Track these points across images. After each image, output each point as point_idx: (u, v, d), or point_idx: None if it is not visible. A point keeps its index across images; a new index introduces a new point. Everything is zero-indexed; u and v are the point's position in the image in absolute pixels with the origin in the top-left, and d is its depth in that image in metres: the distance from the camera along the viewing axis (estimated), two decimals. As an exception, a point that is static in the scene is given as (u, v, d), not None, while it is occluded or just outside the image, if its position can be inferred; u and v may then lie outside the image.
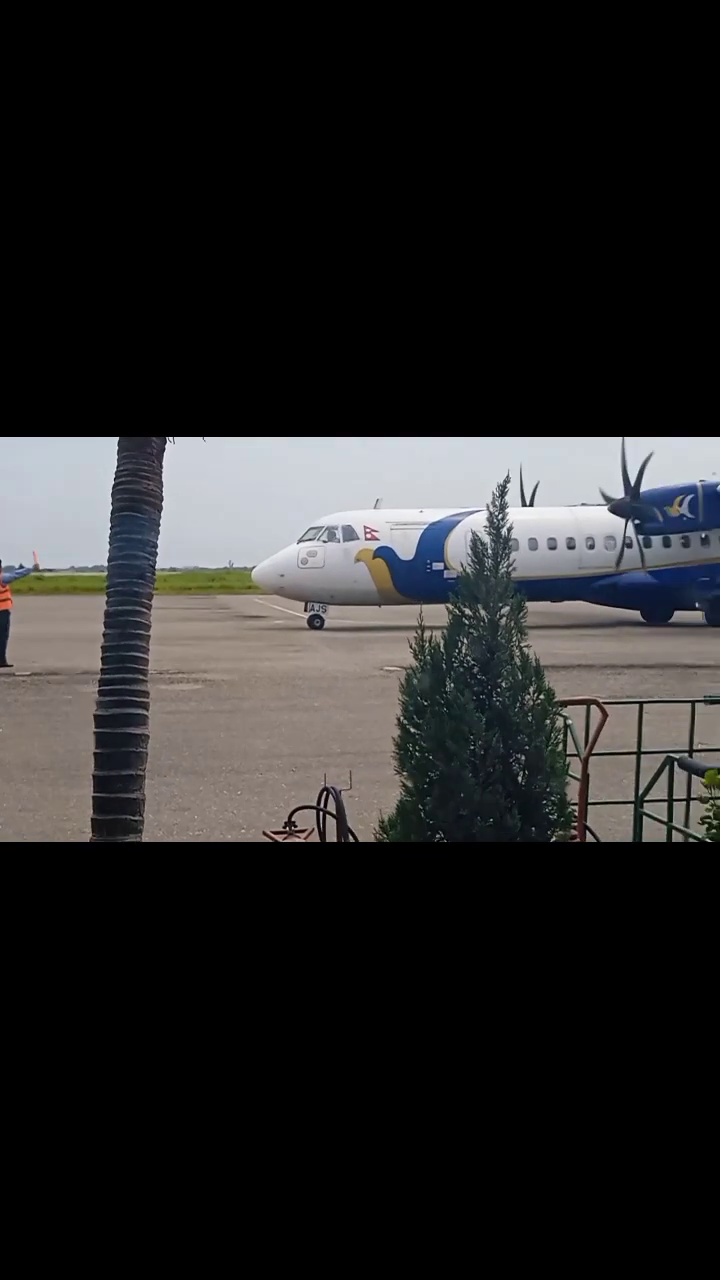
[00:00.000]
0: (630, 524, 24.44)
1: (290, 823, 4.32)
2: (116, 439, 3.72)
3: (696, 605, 24.65)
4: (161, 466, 3.75)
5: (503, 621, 3.59)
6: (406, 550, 24.36)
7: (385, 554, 24.39)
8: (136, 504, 3.69)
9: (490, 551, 3.65)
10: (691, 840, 3.75)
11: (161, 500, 3.75)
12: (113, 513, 3.70)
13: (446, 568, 23.44)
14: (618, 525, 24.70)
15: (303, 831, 4.12)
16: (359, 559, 24.34)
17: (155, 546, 3.76)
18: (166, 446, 3.83)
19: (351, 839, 4.16)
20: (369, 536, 24.50)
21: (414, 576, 23.92)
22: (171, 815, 6.36)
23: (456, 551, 23.17)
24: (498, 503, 3.72)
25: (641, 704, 4.88)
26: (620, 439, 24.11)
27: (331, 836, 4.22)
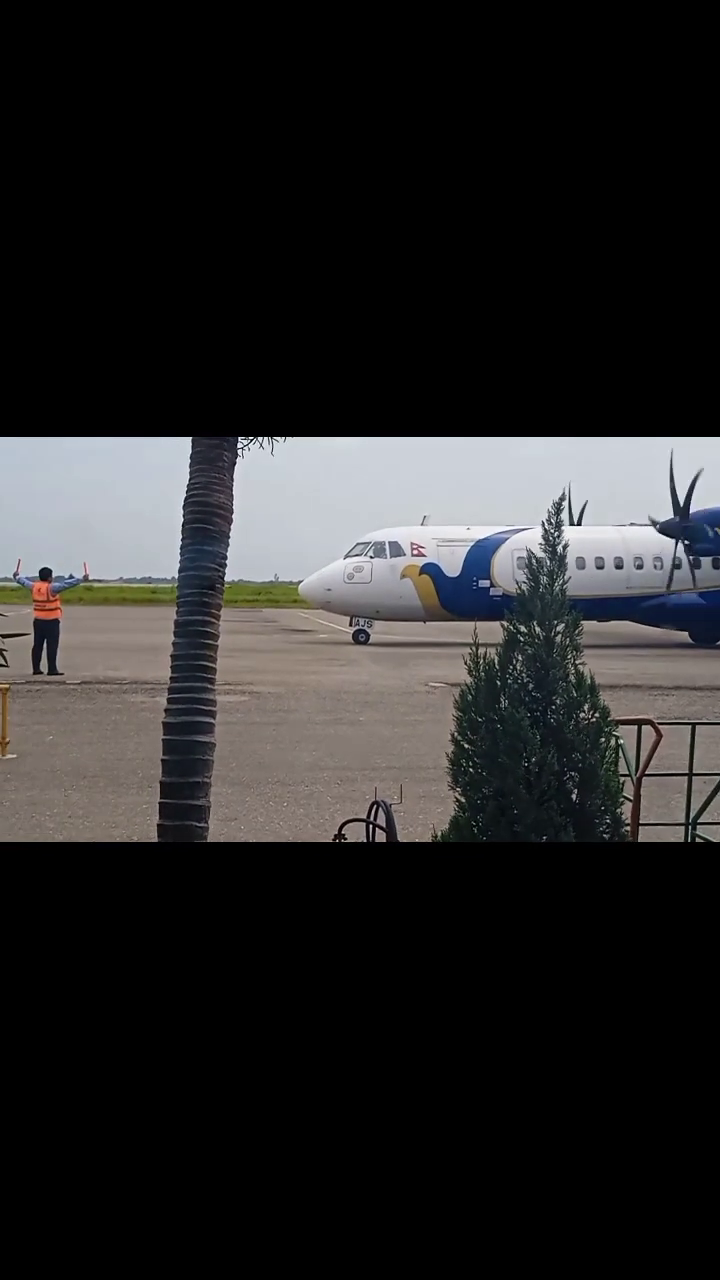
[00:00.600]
0: (680, 544, 24.20)
1: (340, 835, 4.36)
2: (189, 454, 3.76)
3: None
4: (232, 480, 3.80)
5: (558, 639, 3.65)
6: (453, 567, 24.22)
7: (431, 570, 24.23)
8: (208, 517, 3.72)
9: (546, 569, 3.71)
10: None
11: (232, 513, 3.79)
12: (184, 525, 3.72)
13: (493, 585, 23.41)
14: (667, 545, 24.44)
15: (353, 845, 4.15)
16: (405, 575, 24.17)
17: (225, 559, 3.80)
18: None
19: None
20: (415, 553, 24.35)
21: (460, 593, 23.83)
22: (219, 825, 6.26)
23: (503, 569, 23.37)
24: (553, 520, 3.79)
25: (694, 725, 4.90)
26: (669, 457, 24.00)
27: None
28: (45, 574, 16.84)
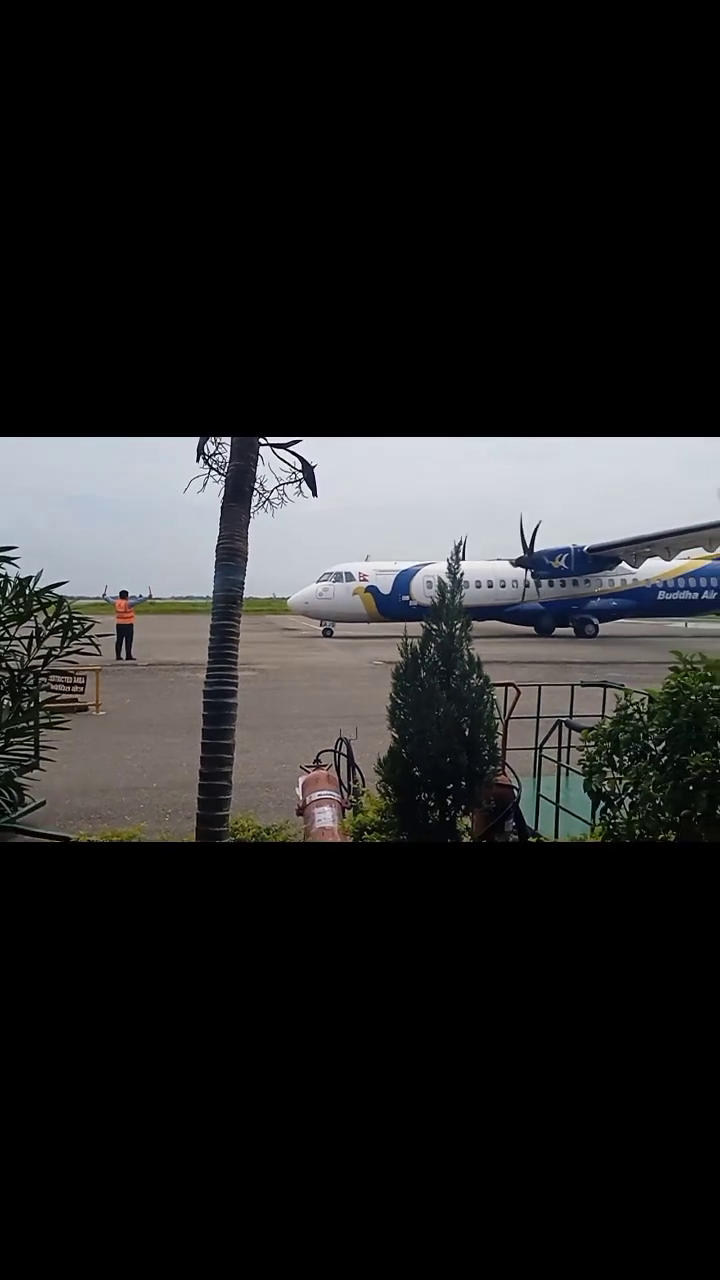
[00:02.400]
0: (528, 572, 24.82)
1: (317, 760, 4.35)
2: (220, 511, 3.72)
3: (569, 624, 24.90)
4: (248, 533, 3.78)
5: (457, 633, 3.68)
6: (386, 587, 24.54)
7: (372, 590, 24.50)
8: (232, 556, 3.68)
9: (450, 589, 3.75)
10: (574, 772, 3.81)
11: (247, 554, 3.77)
12: (216, 562, 3.70)
13: (411, 599, 23.67)
14: (519, 573, 25.12)
15: (325, 766, 4.13)
16: (355, 593, 24.45)
17: (243, 583, 3.76)
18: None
19: (358, 772, 4.21)
20: (361, 579, 24.65)
21: (391, 604, 24.08)
22: (240, 756, 6.27)
23: (418, 588, 23.66)
24: (456, 558, 3.82)
25: (540, 687, 4.96)
26: (520, 519, 24.51)
27: (345, 769, 4.27)
28: (124, 594, 16.84)
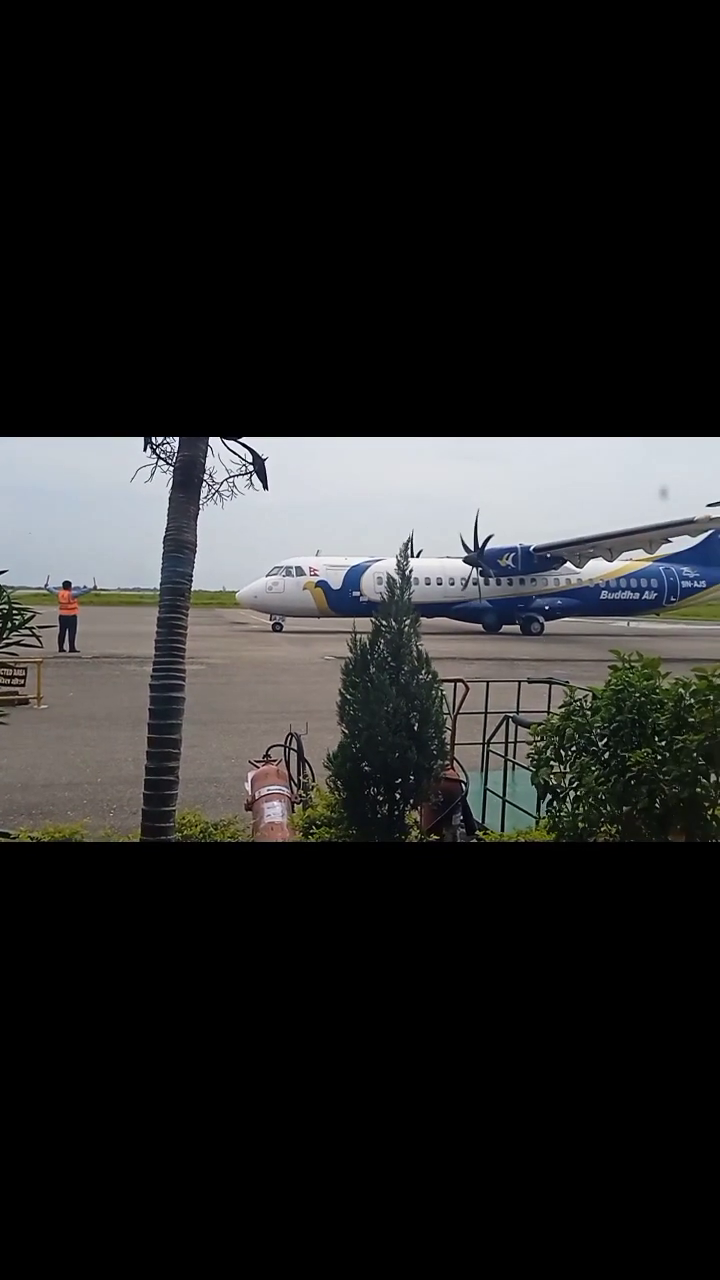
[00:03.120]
0: (475, 570, 25.01)
1: (266, 755, 4.29)
2: (167, 501, 3.62)
3: (516, 621, 25.22)
4: (196, 524, 3.69)
5: (406, 629, 3.66)
6: (337, 582, 24.39)
7: (322, 585, 24.34)
8: (180, 548, 3.59)
9: (399, 585, 3.73)
10: (520, 767, 3.86)
11: (195, 545, 3.68)
12: (164, 553, 3.61)
13: (362, 594, 23.55)
14: (467, 570, 25.28)
15: (274, 761, 4.08)
16: (305, 588, 24.23)
17: (190, 575, 3.69)
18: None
19: (307, 767, 4.17)
20: (312, 573, 24.46)
21: (341, 599, 23.92)
22: (189, 750, 6.15)
23: (368, 584, 23.59)
24: (405, 555, 3.80)
25: (488, 683, 5.00)
26: (474, 520, 24.71)
27: (295, 764, 4.23)
28: (67, 584, 16.37)
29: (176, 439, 3.70)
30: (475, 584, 25.01)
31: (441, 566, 25.86)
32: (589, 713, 3.40)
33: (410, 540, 3.83)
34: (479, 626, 25.61)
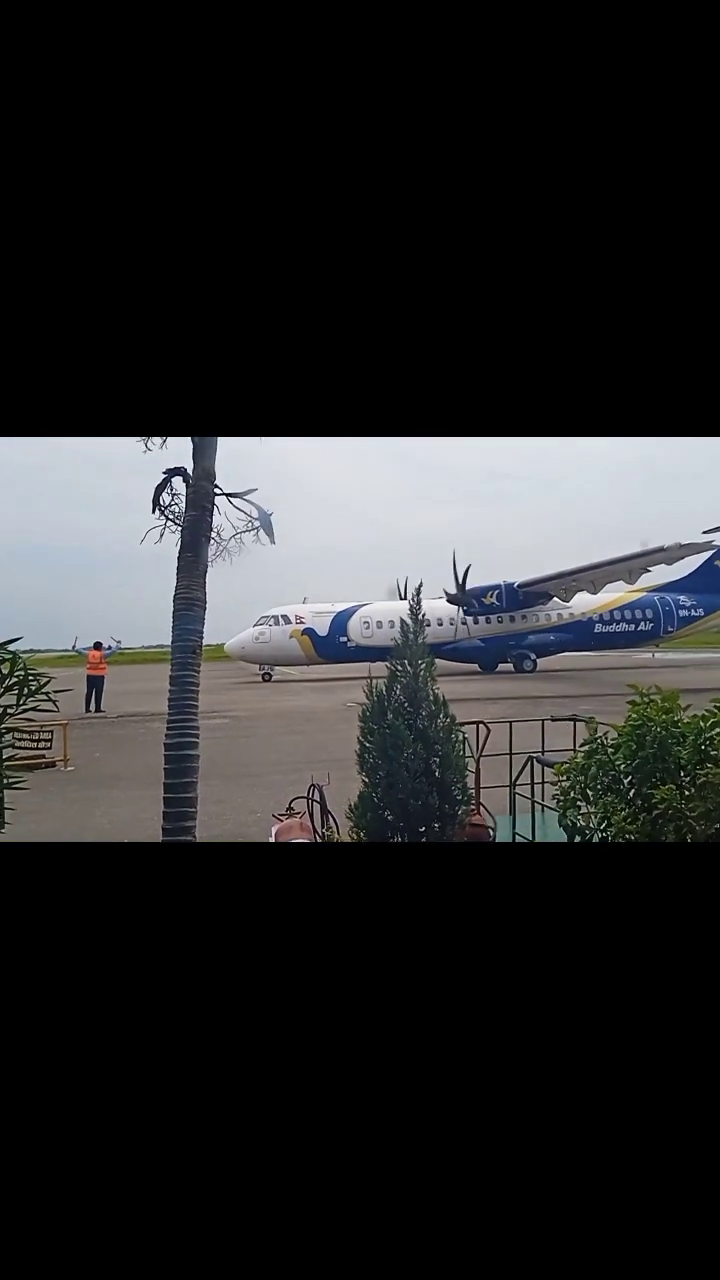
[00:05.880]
0: (460, 610, 24.80)
1: (290, 808, 4.16)
2: (176, 562, 3.60)
3: (508, 659, 24.81)
4: (205, 582, 3.66)
5: (421, 672, 3.58)
6: (323, 629, 24.09)
7: (309, 632, 24.02)
8: (190, 606, 3.61)
9: (412, 629, 3.66)
10: (549, 809, 3.73)
11: (205, 603, 3.65)
12: (174, 612, 3.60)
13: (349, 640, 23.40)
14: (453, 610, 25.07)
15: (299, 814, 3.95)
16: (292, 636, 23.90)
17: (201, 632, 3.65)
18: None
19: (331, 819, 4.03)
20: (298, 620, 24.19)
21: (328, 646, 23.70)
22: (213, 806, 6.07)
23: (354, 629, 23.43)
24: (416, 600, 3.74)
25: (511, 723, 4.89)
26: (452, 557, 24.63)
27: (319, 817, 4.09)
28: (98, 645, 16.29)
29: (183, 501, 3.67)
30: (464, 624, 24.82)
31: (430, 608, 25.87)
32: (610, 750, 3.30)
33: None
34: (473, 667, 25.33)
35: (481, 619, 24.87)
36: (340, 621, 24.33)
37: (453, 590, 24.77)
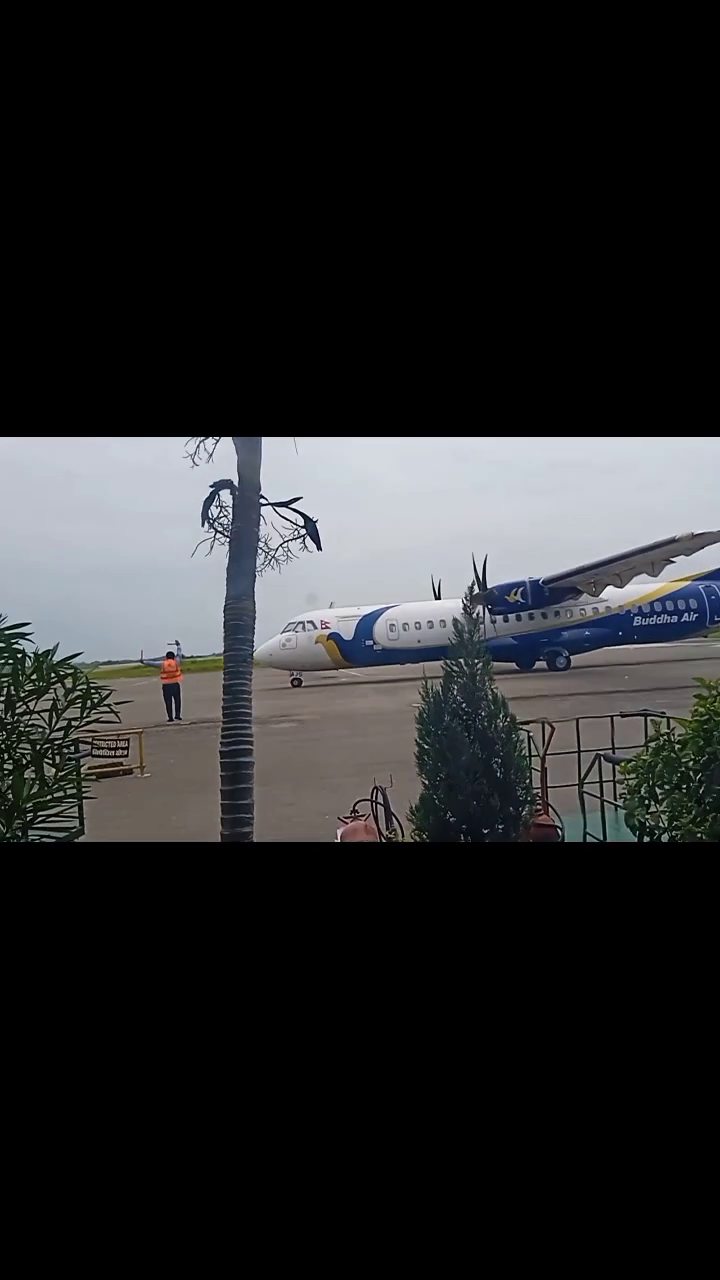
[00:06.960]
0: (485, 609, 24.27)
1: (354, 811, 4.11)
2: (225, 573, 3.58)
3: (542, 657, 24.06)
4: (254, 592, 3.64)
5: (478, 671, 3.51)
6: (349, 633, 23.83)
7: (334, 637, 23.79)
8: (240, 616, 3.62)
9: (466, 628, 3.60)
10: (618, 807, 3.63)
11: (255, 615, 3.66)
12: (225, 622, 3.63)
13: (375, 643, 23.18)
14: (479, 609, 24.62)
15: (363, 817, 3.90)
16: (318, 641, 23.70)
17: (252, 642, 3.66)
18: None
19: (395, 821, 3.98)
20: (323, 626, 23.91)
21: (354, 650, 23.48)
22: (282, 809, 6.15)
23: (380, 632, 23.18)
24: (469, 597, 3.68)
25: (578, 720, 4.80)
26: (471, 560, 24.06)
27: (383, 819, 4.05)
28: (171, 655, 16.50)
29: (231, 512, 3.65)
30: (492, 622, 24.32)
31: (455, 606, 25.57)
32: (677, 746, 3.19)
33: (473, 586, 3.71)
34: (512, 665, 24.81)
35: (512, 617, 24.42)
36: (365, 625, 24.11)
37: (476, 590, 24.46)
